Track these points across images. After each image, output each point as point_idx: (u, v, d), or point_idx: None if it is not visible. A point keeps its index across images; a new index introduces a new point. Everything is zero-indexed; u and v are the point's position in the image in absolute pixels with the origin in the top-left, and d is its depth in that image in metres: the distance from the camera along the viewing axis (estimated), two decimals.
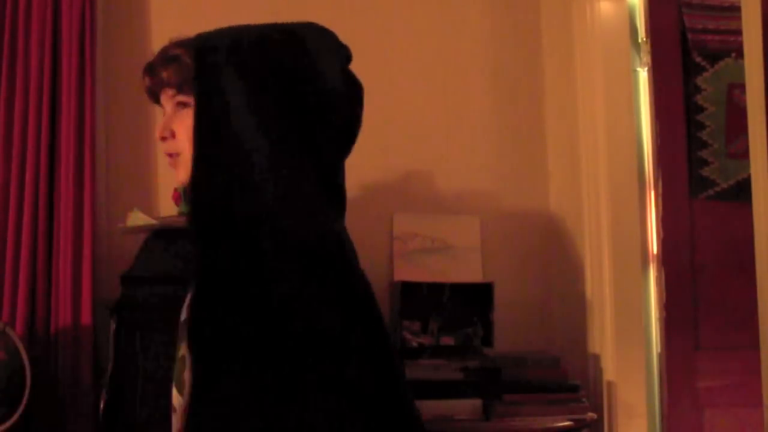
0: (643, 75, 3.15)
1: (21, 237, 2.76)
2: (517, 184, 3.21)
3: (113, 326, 2.60)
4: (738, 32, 2.20)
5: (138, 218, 2.71)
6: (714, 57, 3.08)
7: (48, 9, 2.84)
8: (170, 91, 1.38)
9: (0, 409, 2.45)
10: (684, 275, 3.04)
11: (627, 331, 3.02)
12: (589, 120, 3.13)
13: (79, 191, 2.81)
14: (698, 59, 3.08)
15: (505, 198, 3.19)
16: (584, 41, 3.15)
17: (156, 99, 1.43)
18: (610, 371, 3.01)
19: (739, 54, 2.28)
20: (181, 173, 1.40)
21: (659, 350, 3.06)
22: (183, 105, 1.37)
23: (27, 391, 2.48)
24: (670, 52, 3.09)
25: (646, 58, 3.12)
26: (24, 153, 2.80)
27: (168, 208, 2.84)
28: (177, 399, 1.36)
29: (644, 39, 3.14)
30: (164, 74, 1.39)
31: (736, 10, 2.24)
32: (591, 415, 2.83)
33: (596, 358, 3.06)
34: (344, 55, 1.42)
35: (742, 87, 2.19)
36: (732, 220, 2.99)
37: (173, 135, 1.39)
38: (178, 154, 1.39)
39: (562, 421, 2.77)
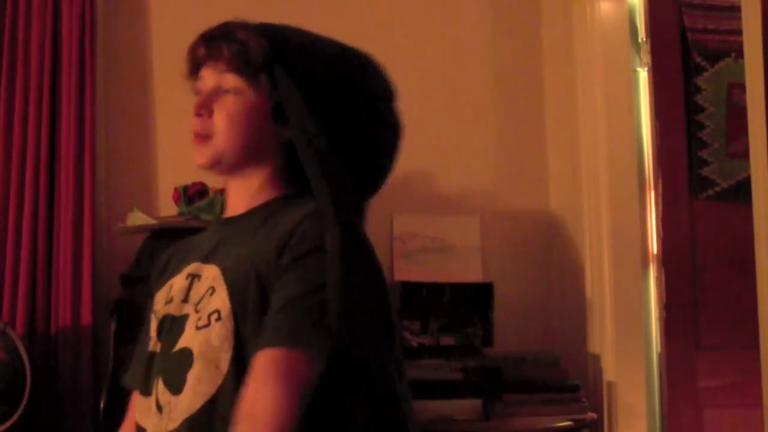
0: (643, 75, 3.15)
1: (21, 237, 2.76)
2: (517, 184, 3.21)
3: (113, 326, 2.60)
4: (738, 32, 2.20)
5: (138, 218, 2.71)
6: (714, 57, 3.08)
7: (48, 9, 2.84)
8: (221, 68, 1.33)
9: (0, 409, 2.45)
10: (684, 275, 3.04)
11: (627, 331, 3.02)
12: (589, 120, 3.13)
13: (79, 191, 2.81)
14: (698, 59, 3.08)
15: (505, 198, 3.19)
16: (584, 41, 3.15)
17: (195, 70, 1.37)
18: (610, 371, 3.01)
19: (739, 54, 2.28)
20: (202, 157, 1.35)
21: (659, 350, 3.06)
22: (233, 90, 1.33)
23: (27, 391, 2.48)
24: (670, 52, 3.09)
25: (646, 58, 3.12)
26: (24, 153, 2.81)
27: (168, 208, 2.84)
28: (165, 395, 1.30)
29: (644, 39, 3.14)
30: (225, 51, 1.33)
31: (736, 10, 2.24)
32: (591, 415, 2.83)
33: (596, 358, 3.05)
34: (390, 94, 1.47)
35: (742, 87, 2.19)
36: (732, 220, 2.99)
37: (210, 114, 1.34)
38: (209, 137, 1.34)
39: (562, 421, 2.77)
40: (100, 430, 2.59)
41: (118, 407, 2.53)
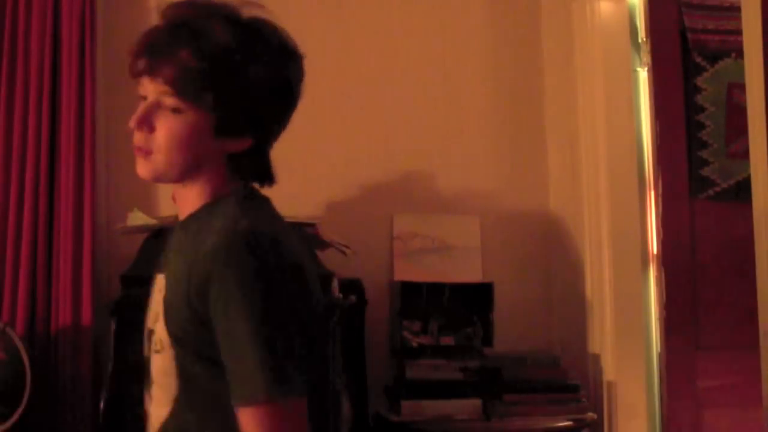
0: (643, 75, 3.15)
1: (21, 237, 2.76)
2: (517, 184, 3.21)
3: (113, 326, 2.60)
4: (738, 32, 2.20)
5: (138, 218, 2.71)
6: (714, 57, 3.08)
7: (48, 9, 2.84)
8: (161, 87, 1.31)
9: (0, 409, 2.46)
10: (684, 275, 3.04)
11: (627, 331, 3.02)
12: (589, 120, 3.13)
13: (79, 191, 2.81)
14: (698, 59, 3.08)
15: (505, 198, 3.19)
16: (584, 41, 3.15)
17: (136, 75, 1.35)
18: (610, 371, 3.01)
19: (739, 54, 2.28)
20: (143, 171, 1.37)
21: (659, 350, 3.06)
22: (174, 110, 1.30)
23: (27, 391, 2.48)
24: (670, 52, 3.09)
25: (646, 58, 3.12)
26: (24, 153, 2.81)
27: (168, 208, 2.84)
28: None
29: (644, 39, 3.14)
30: (166, 71, 1.30)
31: (736, 10, 2.24)
32: (591, 415, 2.83)
33: (596, 358, 3.05)
34: None
35: (742, 87, 2.19)
36: (732, 220, 2.99)
37: (151, 130, 1.32)
38: (150, 153, 1.34)
39: (562, 421, 2.77)
40: (100, 430, 2.60)
41: (118, 407, 2.54)
